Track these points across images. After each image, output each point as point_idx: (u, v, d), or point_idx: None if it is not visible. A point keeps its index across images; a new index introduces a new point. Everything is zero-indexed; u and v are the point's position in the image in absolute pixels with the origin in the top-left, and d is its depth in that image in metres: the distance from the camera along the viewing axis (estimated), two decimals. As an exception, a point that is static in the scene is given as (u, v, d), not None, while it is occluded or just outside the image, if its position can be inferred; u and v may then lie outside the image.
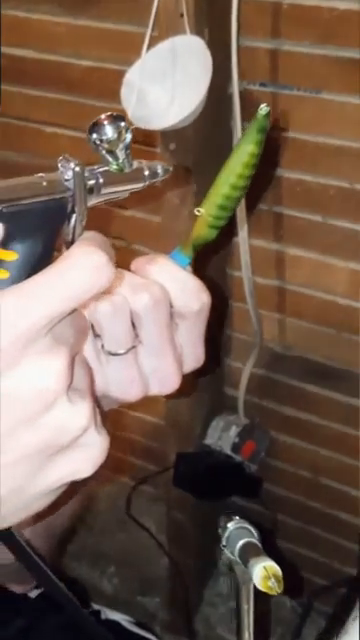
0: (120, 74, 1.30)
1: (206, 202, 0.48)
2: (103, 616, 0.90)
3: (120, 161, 0.42)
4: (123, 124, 0.41)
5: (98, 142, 0.41)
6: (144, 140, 1.33)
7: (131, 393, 0.48)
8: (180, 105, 1.22)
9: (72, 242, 0.41)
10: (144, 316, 0.46)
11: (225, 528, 0.55)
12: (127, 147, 0.42)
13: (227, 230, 1.51)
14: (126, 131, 0.41)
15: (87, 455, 0.39)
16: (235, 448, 1.69)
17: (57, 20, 1.46)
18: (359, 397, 1.60)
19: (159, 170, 0.46)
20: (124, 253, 1.64)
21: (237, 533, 0.52)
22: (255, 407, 1.75)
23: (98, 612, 0.90)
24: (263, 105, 0.44)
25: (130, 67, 1.26)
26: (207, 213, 0.48)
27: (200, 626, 2.07)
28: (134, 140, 0.42)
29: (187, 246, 0.50)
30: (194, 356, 0.50)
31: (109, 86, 1.41)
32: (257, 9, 1.27)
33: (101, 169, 0.42)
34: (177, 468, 1.66)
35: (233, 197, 0.47)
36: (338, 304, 1.50)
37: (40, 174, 0.39)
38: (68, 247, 0.40)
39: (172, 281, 0.47)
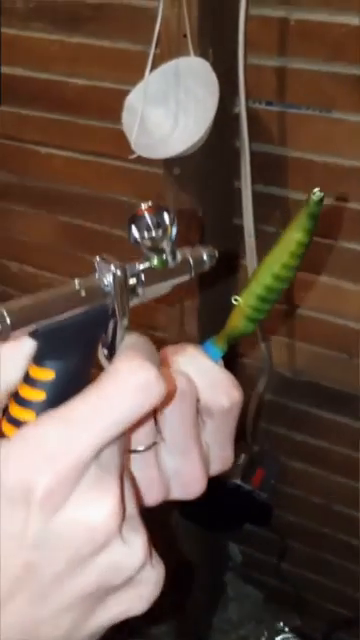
0: (118, 93, 1.27)
1: (245, 292, 0.44)
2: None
3: (164, 256, 0.39)
4: (168, 217, 0.37)
5: (140, 239, 0.37)
6: (147, 162, 1.28)
7: (150, 496, 0.43)
8: (185, 130, 1.18)
9: (112, 350, 0.38)
10: (167, 411, 0.42)
11: None
12: (172, 241, 0.38)
13: (232, 256, 1.48)
14: (172, 225, 0.38)
15: (141, 593, 0.36)
16: (245, 477, 1.66)
17: (51, 38, 1.41)
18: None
19: (205, 257, 0.42)
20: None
21: None
22: (265, 433, 1.72)
23: None
24: (316, 190, 0.40)
25: (131, 89, 1.22)
26: (245, 304, 0.44)
27: (210, 655, 2.04)
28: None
29: (221, 338, 0.46)
30: (221, 458, 0.46)
31: (106, 106, 1.39)
32: (263, 25, 1.23)
33: (143, 266, 0.38)
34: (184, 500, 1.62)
35: (275, 288, 0.43)
36: (350, 328, 1.47)
37: (76, 280, 0.36)
38: (109, 357, 0.38)
39: (201, 374, 0.43)
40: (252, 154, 1.30)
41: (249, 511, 1.73)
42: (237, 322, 0.45)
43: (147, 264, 0.38)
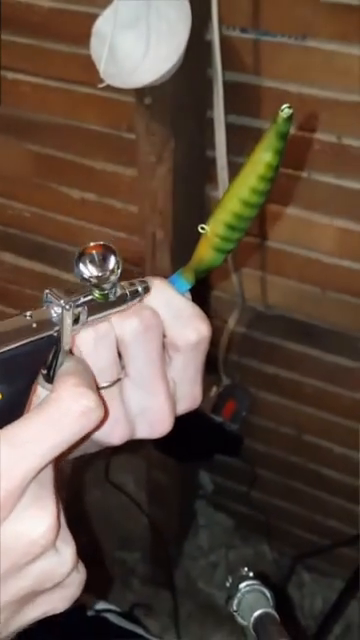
0: (87, 17, 1.24)
1: (212, 219, 0.42)
2: (89, 612, 0.90)
3: (106, 292, 0.42)
4: (115, 261, 0.40)
5: (86, 277, 0.40)
6: (118, 90, 1.27)
7: (114, 435, 0.44)
8: (157, 59, 1.16)
9: (51, 372, 0.41)
10: (132, 344, 0.42)
11: (236, 589, 0.51)
12: (116, 280, 0.41)
13: (204, 182, 1.48)
14: (118, 267, 0.40)
15: (66, 594, 0.40)
16: (216, 409, 1.70)
17: None
18: (342, 355, 1.61)
19: (140, 290, 0.44)
20: (93, 207, 1.60)
21: (251, 598, 0.49)
22: (236, 366, 1.76)
23: (83, 607, 0.90)
24: (285, 106, 0.38)
25: (100, 14, 1.20)
26: (213, 233, 0.42)
27: (181, 580, 2.12)
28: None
29: (188, 270, 0.45)
30: (189, 395, 0.46)
31: (75, 30, 1.36)
32: None
33: (86, 299, 0.41)
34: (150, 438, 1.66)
35: (244, 216, 0.41)
36: (322, 262, 1.49)
37: (28, 313, 0.39)
38: (48, 378, 0.41)
39: (167, 307, 0.43)
40: (225, 83, 1.29)
41: (220, 442, 1.78)
42: (205, 253, 0.44)
43: (90, 297, 0.41)
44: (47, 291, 0.40)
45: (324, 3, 1.21)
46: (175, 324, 0.43)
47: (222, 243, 0.43)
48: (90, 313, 0.41)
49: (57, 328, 0.40)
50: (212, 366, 1.75)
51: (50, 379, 0.41)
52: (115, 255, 0.40)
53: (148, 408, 0.44)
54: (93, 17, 1.22)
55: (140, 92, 1.26)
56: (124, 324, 0.42)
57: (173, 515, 2.08)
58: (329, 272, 1.49)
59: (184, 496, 2.11)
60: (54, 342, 0.40)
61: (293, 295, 1.57)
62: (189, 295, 0.46)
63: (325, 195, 1.40)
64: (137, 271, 1.59)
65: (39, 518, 0.36)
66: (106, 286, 0.41)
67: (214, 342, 1.82)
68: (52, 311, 0.40)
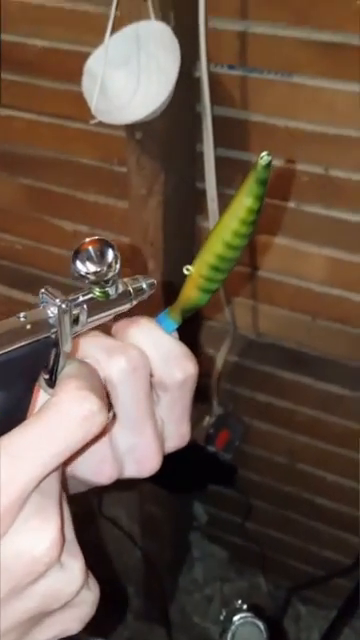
0: (78, 55, 1.29)
1: (197, 261, 0.43)
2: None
3: (106, 289, 0.41)
4: (112, 254, 0.39)
5: (84, 274, 0.39)
6: (110, 125, 1.31)
7: (103, 474, 0.43)
8: (147, 95, 1.21)
9: (53, 376, 0.39)
10: (119, 384, 0.42)
11: (230, 622, 0.52)
12: (116, 276, 0.40)
13: (194, 213, 1.52)
14: (116, 262, 0.39)
15: (77, 614, 0.38)
16: (209, 439, 1.70)
17: (9, -2, 1.43)
18: (333, 382, 1.64)
19: (144, 286, 0.44)
20: (85, 238, 1.64)
21: (244, 631, 0.50)
22: (229, 395, 1.77)
23: None
24: (264, 154, 0.39)
25: (92, 51, 1.25)
26: (198, 274, 0.43)
27: (175, 614, 2.11)
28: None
29: (175, 310, 0.45)
30: (177, 434, 0.46)
31: (67, 68, 1.41)
32: (224, -11, 1.26)
33: (85, 297, 0.40)
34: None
35: (227, 257, 0.42)
36: (313, 291, 1.52)
37: (22, 314, 0.38)
38: (50, 383, 0.39)
39: (154, 346, 0.43)
40: (214, 118, 1.33)
41: (214, 472, 1.78)
42: (190, 293, 0.44)
43: (90, 295, 0.40)
44: (42, 290, 0.39)
45: (309, 41, 1.26)
46: (163, 364, 0.44)
47: (207, 283, 0.43)
48: (92, 313, 0.41)
49: (55, 330, 0.38)
50: (205, 395, 1.76)
51: (52, 383, 0.39)
52: (113, 249, 0.39)
53: (136, 447, 0.44)
54: (85, 55, 1.26)
55: (131, 127, 1.31)
56: (111, 364, 0.42)
57: (167, 548, 2.08)
58: (319, 301, 1.53)
59: (178, 528, 2.11)
60: (52, 344, 0.39)
61: (284, 323, 1.60)
62: (176, 334, 0.46)
63: (313, 225, 1.44)
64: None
65: (41, 532, 0.35)
66: (106, 283, 0.40)
67: (206, 371, 1.85)
68: (49, 311, 0.38)
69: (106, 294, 0.41)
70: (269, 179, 0.39)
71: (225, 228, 0.41)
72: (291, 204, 1.43)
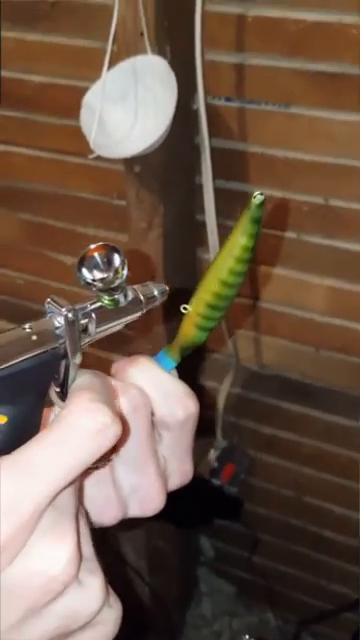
0: (76, 90, 1.30)
1: (194, 300, 0.43)
2: None
3: (115, 296, 0.40)
4: (119, 257, 0.38)
5: (90, 281, 0.37)
6: (108, 159, 1.32)
7: (107, 515, 0.42)
8: (145, 129, 1.21)
9: (64, 388, 0.38)
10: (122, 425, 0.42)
11: None
12: (124, 282, 0.39)
13: (194, 245, 1.52)
14: (123, 265, 0.38)
15: (99, 633, 0.36)
16: (214, 473, 1.70)
17: (7, 35, 1.43)
18: (338, 414, 1.63)
19: (155, 293, 0.43)
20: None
21: None
22: (233, 428, 1.76)
23: None
24: (257, 193, 0.39)
25: (89, 86, 1.25)
26: (195, 312, 0.43)
27: (184, 651, 2.09)
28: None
29: (174, 348, 0.46)
30: (180, 472, 0.46)
31: (65, 103, 1.41)
32: (221, 22, 1.27)
33: (94, 306, 0.39)
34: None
35: (224, 295, 0.42)
36: (315, 321, 1.51)
37: (27, 325, 0.37)
38: (61, 395, 0.38)
39: (154, 386, 0.43)
40: (212, 150, 1.34)
41: (219, 506, 1.77)
42: (188, 331, 0.45)
43: (98, 304, 0.39)
44: (48, 300, 0.38)
45: (306, 72, 1.26)
46: (164, 403, 0.43)
47: (204, 321, 0.43)
48: (101, 322, 0.39)
49: (62, 341, 0.37)
50: (209, 428, 1.75)
51: (64, 396, 0.38)
52: (119, 254, 0.38)
53: (139, 487, 0.43)
54: (82, 90, 1.27)
55: (129, 161, 1.31)
56: None
57: (174, 583, 2.06)
58: (322, 331, 1.52)
59: (185, 563, 2.09)
60: (61, 356, 0.37)
61: (287, 354, 1.59)
62: (175, 373, 0.46)
63: (315, 255, 1.44)
64: (131, 334, 1.61)
65: (57, 550, 0.33)
66: (114, 289, 0.39)
67: (210, 404, 1.83)
68: (55, 322, 0.37)
69: (115, 302, 0.40)
70: (263, 217, 0.39)
71: (221, 267, 0.41)
72: (292, 234, 1.43)
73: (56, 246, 1.71)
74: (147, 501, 0.44)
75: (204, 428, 1.86)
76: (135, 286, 0.42)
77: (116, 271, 0.38)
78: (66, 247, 1.69)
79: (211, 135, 1.33)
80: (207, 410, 1.78)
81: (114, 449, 0.40)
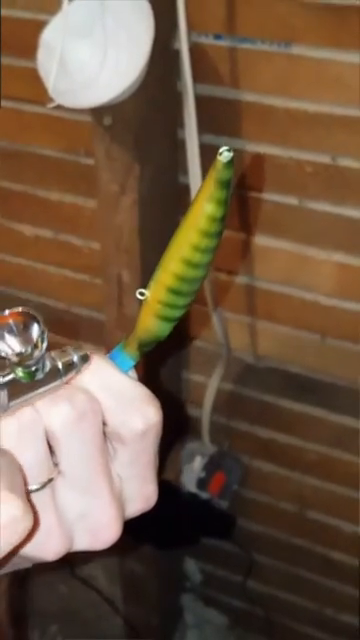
0: (32, 25, 1.28)
1: (153, 283, 0.42)
2: None
3: (32, 369, 0.40)
4: (38, 331, 0.39)
5: (3, 355, 0.38)
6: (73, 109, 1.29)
7: (48, 549, 0.42)
8: (115, 71, 1.18)
9: None
10: (64, 436, 0.41)
11: None
12: (42, 355, 0.39)
13: (177, 213, 1.49)
14: (42, 339, 0.39)
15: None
16: (201, 484, 1.69)
17: None
18: (348, 414, 1.62)
19: (75, 360, 0.42)
20: (49, 245, 1.62)
21: None
22: (223, 430, 1.75)
23: None
24: (223, 149, 0.37)
25: (48, 22, 1.22)
26: (155, 299, 0.42)
27: None
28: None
29: (131, 343, 0.45)
30: (140, 495, 0.45)
31: (19, 40, 1.39)
32: None
33: (6, 379, 0.39)
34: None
35: (189, 277, 0.41)
36: (321, 304, 1.50)
37: None
38: None
39: (106, 389, 0.42)
40: (198, 98, 1.31)
41: (207, 523, 1.77)
42: (147, 322, 0.43)
43: (11, 376, 0.40)
44: None
45: (311, 4, 1.24)
46: (117, 410, 0.42)
47: (167, 310, 0.42)
48: (14, 395, 0.40)
49: None
50: (194, 431, 1.75)
51: None
52: (38, 324, 0.39)
53: (88, 513, 0.43)
54: (40, 25, 1.24)
55: (98, 111, 1.29)
56: (52, 412, 0.40)
57: (154, 613, 2.06)
58: (329, 316, 1.51)
59: (167, 590, 2.09)
60: None
61: (288, 344, 1.58)
62: (134, 373, 0.45)
63: (321, 226, 1.42)
64: (99, 318, 1.59)
65: None
66: (31, 362, 0.39)
67: (196, 402, 1.83)
68: None
69: (31, 375, 0.40)
70: (232, 180, 0.38)
71: (183, 242, 0.40)
72: (293, 200, 1.41)
73: (13, 213, 1.69)
74: (99, 531, 0.43)
75: (189, 431, 1.86)
76: (53, 353, 0.42)
77: (35, 345, 0.39)
78: (24, 214, 1.67)
79: (196, 80, 1.31)
80: (192, 409, 1.78)
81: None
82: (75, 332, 1.75)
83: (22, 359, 0.39)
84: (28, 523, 0.36)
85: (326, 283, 1.48)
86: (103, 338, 1.61)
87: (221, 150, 0.37)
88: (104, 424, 0.42)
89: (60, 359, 0.41)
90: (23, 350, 0.38)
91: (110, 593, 2.00)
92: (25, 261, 1.73)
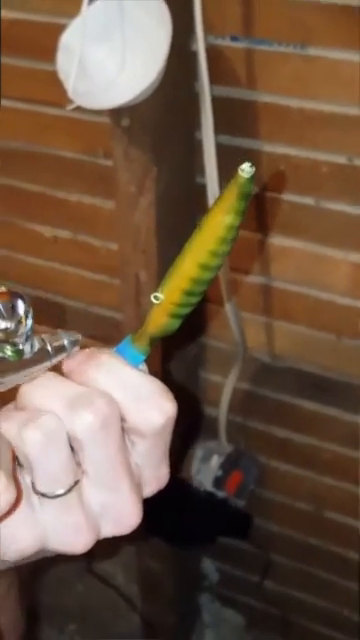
0: (53, 28, 1.28)
1: (167, 285, 0.44)
2: None
3: (19, 347, 0.41)
4: (23, 306, 0.40)
5: None
6: (92, 110, 1.30)
7: (78, 544, 0.44)
8: (133, 74, 1.20)
9: None
10: (87, 441, 0.42)
11: None
12: (29, 331, 0.41)
13: (194, 213, 1.51)
14: (27, 315, 0.41)
15: None
16: (218, 482, 1.69)
17: None
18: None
19: (65, 343, 0.44)
20: (67, 246, 1.63)
21: None
22: (240, 429, 1.76)
23: None
24: (246, 165, 0.39)
25: (67, 26, 1.23)
26: (169, 301, 0.44)
27: None
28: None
29: (141, 338, 0.46)
30: (155, 477, 0.47)
31: (41, 43, 1.40)
32: None
33: None
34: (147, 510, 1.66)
35: (203, 280, 0.43)
36: (336, 304, 1.51)
37: None
38: None
39: (122, 388, 0.44)
40: (215, 100, 1.32)
41: (224, 522, 1.77)
42: (159, 320, 0.45)
43: (0, 354, 0.41)
44: None
45: (327, 5, 1.24)
46: (135, 407, 0.44)
47: (179, 309, 0.44)
48: (3, 374, 0.41)
49: None
50: (211, 430, 1.75)
51: None
52: (23, 300, 0.41)
53: (112, 504, 0.45)
54: (60, 28, 1.25)
55: (116, 113, 1.30)
56: (74, 420, 0.42)
57: (171, 612, 2.06)
58: (345, 315, 1.51)
59: (184, 589, 2.09)
60: None
61: (304, 343, 1.59)
62: (145, 367, 0.47)
63: (337, 226, 1.43)
64: (117, 318, 1.60)
65: None
66: (18, 340, 0.41)
67: (213, 401, 1.83)
68: None
69: (19, 353, 0.41)
70: (251, 192, 0.40)
71: (201, 249, 0.42)
72: (309, 201, 1.42)
73: (32, 215, 1.70)
74: (122, 519, 0.45)
75: (206, 430, 1.86)
76: (43, 335, 0.44)
77: (19, 321, 0.40)
78: (44, 216, 1.68)
79: (213, 82, 1.31)
80: (209, 408, 1.78)
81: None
82: (93, 331, 1.76)
83: (7, 335, 0.40)
84: (9, 497, 0.38)
85: (342, 283, 1.48)
86: (120, 338, 1.62)
87: (243, 166, 0.39)
88: (122, 420, 0.44)
89: (50, 341, 0.43)
90: (8, 325, 0.40)
91: (127, 591, 2.01)
92: (43, 262, 1.74)
